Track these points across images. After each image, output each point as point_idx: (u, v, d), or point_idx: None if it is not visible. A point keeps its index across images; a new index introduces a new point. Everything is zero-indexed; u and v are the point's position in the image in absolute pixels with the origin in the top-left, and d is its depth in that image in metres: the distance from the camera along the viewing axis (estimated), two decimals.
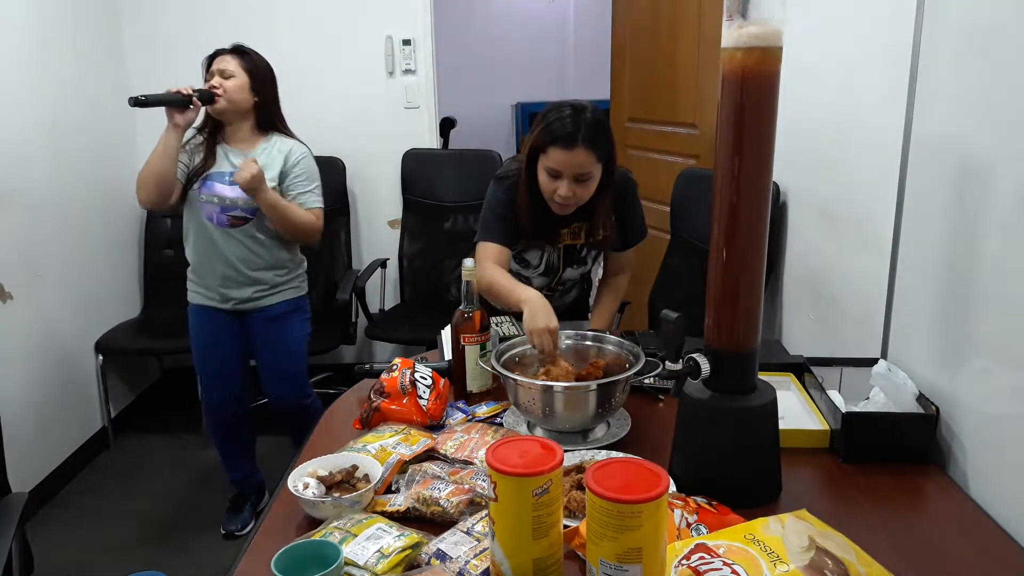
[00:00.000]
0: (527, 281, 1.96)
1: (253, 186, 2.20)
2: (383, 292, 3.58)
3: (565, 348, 1.55)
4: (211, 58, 2.36)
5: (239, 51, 2.36)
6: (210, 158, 2.35)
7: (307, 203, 2.38)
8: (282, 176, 2.36)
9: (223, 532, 2.57)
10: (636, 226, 1.96)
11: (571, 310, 2.10)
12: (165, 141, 2.23)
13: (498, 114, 6.01)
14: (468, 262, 1.58)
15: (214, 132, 2.37)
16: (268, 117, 2.40)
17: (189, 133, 2.32)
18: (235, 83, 2.30)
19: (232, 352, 2.51)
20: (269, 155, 2.35)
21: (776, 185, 2.07)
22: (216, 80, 2.29)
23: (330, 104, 3.46)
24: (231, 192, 2.31)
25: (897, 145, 1.47)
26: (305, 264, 2.58)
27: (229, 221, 2.34)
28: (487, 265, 1.77)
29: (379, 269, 3.50)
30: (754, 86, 1.08)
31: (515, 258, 1.92)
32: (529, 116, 6.01)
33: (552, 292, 2.01)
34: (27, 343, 2.76)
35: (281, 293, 2.47)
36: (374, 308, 3.50)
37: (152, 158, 2.25)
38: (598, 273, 2.08)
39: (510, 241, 1.85)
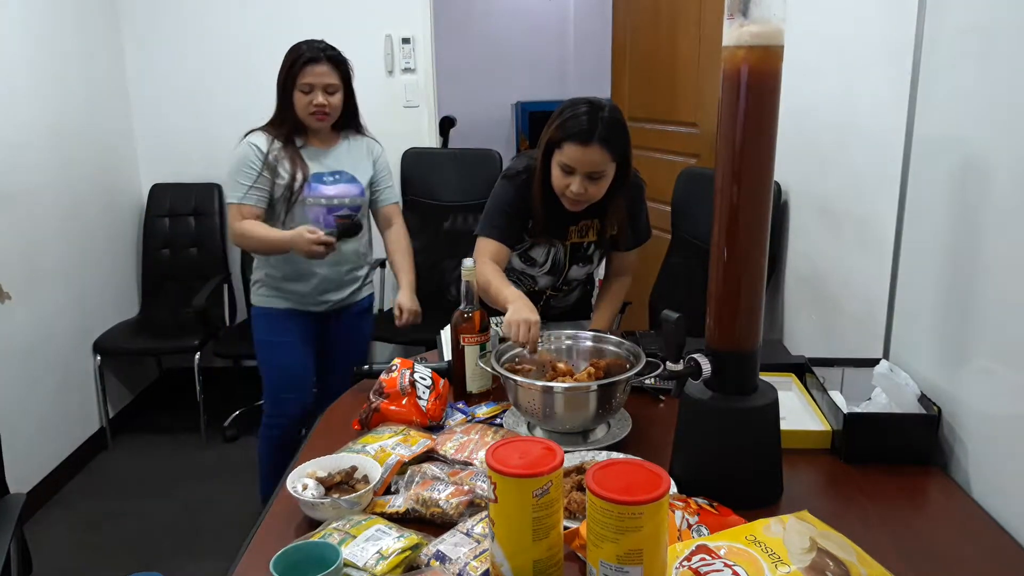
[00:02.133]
0: (533, 280, 1.95)
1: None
2: (383, 292, 3.58)
3: (565, 348, 1.55)
4: (301, 63, 2.15)
5: (336, 60, 2.20)
6: (301, 163, 2.21)
7: (392, 198, 2.42)
8: (375, 169, 2.37)
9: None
10: (641, 227, 1.95)
11: (574, 310, 2.10)
12: (288, 245, 2.10)
13: (498, 114, 6.00)
14: (468, 262, 1.57)
15: (290, 138, 2.23)
16: (350, 118, 2.34)
17: (263, 142, 2.19)
18: (339, 97, 2.21)
19: (311, 356, 2.41)
20: (354, 156, 2.33)
21: (777, 184, 2.07)
22: (322, 98, 2.16)
23: None
24: (335, 190, 2.25)
25: (899, 144, 1.47)
26: None
27: (336, 221, 2.22)
28: (485, 261, 1.77)
29: (379, 269, 3.50)
30: (755, 85, 1.07)
31: (521, 257, 1.91)
32: (529, 116, 6.01)
33: (557, 292, 2.00)
34: (25, 343, 2.76)
35: (366, 287, 2.49)
36: (374, 308, 3.49)
37: (265, 240, 2.15)
38: (600, 273, 2.07)
39: (512, 240, 1.84)
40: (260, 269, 2.34)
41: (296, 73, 2.15)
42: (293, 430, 2.40)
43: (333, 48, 2.21)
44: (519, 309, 1.53)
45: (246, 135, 2.22)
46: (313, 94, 2.16)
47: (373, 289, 2.55)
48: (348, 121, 2.33)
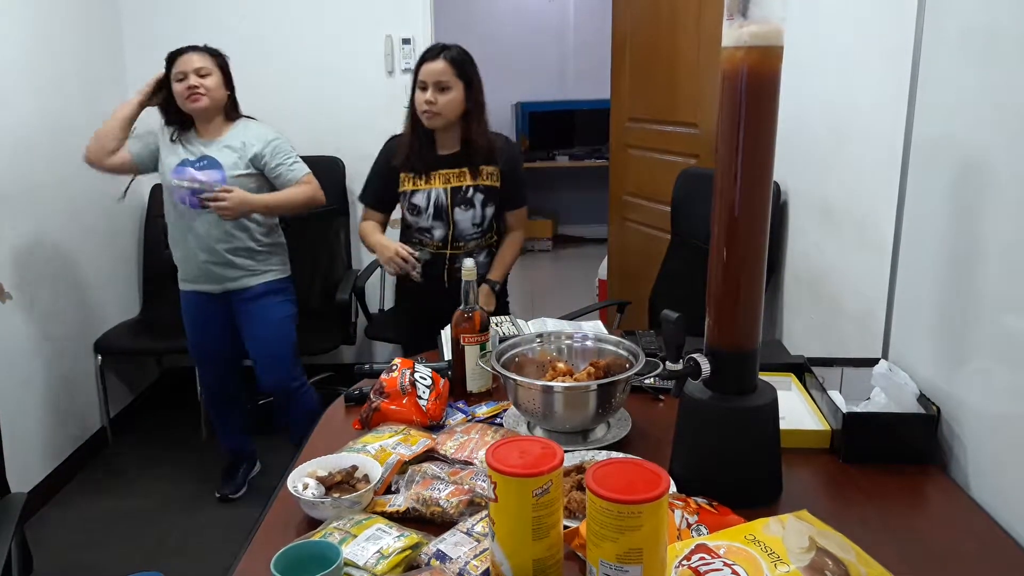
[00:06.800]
0: (430, 235, 2.22)
1: (244, 210, 2.39)
2: (383, 292, 3.58)
3: (565, 348, 1.55)
4: (174, 57, 2.42)
5: (207, 49, 2.45)
6: (180, 150, 2.47)
7: (298, 173, 2.51)
8: (259, 157, 2.46)
9: (218, 495, 2.82)
10: (517, 188, 2.27)
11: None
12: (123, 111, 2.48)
13: (498, 114, 5.95)
14: (468, 262, 1.58)
15: (181, 129, 2.48)
16: (234, 107, 2.53)
17: (147, 134, 2.50)
18: (213, 80, 2.41)
19: (221, 334, 2.64)
20: (246, 138, 2.46)
21: (777, 184, 2.07)
22: (195, 80, 2.37)
23: (329, 104, 3.46)
24: (204, 176, 2.41)
25: (898, 144, 1.47)
26: (285, 245, 2.68)
27: (201, 203, 2.39)
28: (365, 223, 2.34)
29: (379, 269, 3.50)
30: (755, 85, 1.07)
31: (409, 209, 2.22)
32: (529, 116, 6.01)
33: (457, 250, 2.20)
34: (26, 343, 2.76)
35: (263, 275, 2.57)
36: (374, 308, 3.50)
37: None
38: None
39: (389, 202, 2.31)
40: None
41: (170, 66, 2.42)
42: (220, 390, 2.76)
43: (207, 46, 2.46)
44: (384, 247, 2.16)
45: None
46: (191, 80, 2.37)
47: (279, 276, 2.60)
48: (233, 111, 2.52)
